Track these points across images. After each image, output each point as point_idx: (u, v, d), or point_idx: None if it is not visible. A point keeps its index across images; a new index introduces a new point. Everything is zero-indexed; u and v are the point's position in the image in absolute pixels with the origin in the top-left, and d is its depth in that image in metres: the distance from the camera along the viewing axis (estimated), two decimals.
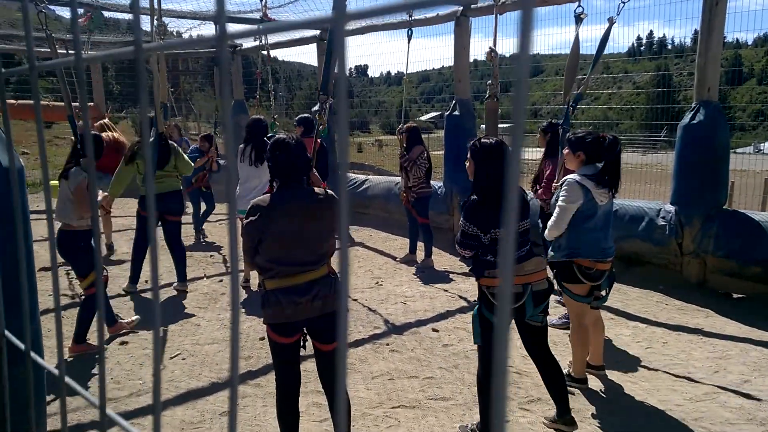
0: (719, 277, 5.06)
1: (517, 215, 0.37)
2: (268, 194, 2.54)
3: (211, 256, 6.65)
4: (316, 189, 2.58)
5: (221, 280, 5.71)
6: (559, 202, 3.28)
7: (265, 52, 6.63)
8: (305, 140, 2.75)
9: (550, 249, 3.46)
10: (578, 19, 4.09)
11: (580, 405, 3.25)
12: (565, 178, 3.37)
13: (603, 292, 3.45)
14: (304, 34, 8.87)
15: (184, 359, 3.88)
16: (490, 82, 4.41)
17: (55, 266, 0.66)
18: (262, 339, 4.19)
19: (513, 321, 2.84)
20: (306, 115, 6.22)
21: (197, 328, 4.44)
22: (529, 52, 0.35)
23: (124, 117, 22.12)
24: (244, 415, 3.18)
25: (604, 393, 3.42)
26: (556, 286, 3.87)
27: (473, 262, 2.83)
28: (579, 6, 4.10)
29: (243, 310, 4.79)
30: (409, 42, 6.38)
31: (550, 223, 3.35)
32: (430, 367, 3.74)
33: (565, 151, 3.46)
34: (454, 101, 7.14)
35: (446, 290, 5.38)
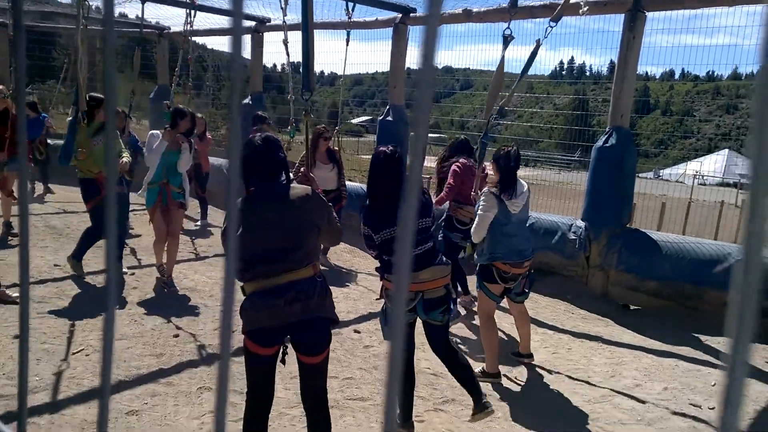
0: (620, 289, 5.48)
1: (415, 219, 0.39)
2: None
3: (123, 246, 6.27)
4: (294, 184, 2.44)
5: (134, 273, 5.41)
6: (479, 212, 3.65)
7: (191, 38, 6.34)
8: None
9: (475, 254, 3.81)
10: (506, 41, 4.27)
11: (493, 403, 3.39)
12: (484, 189, 3.72)
13: (525, 289, 3.82)
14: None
15: (87, 355, 3.63)
16: None
17: None
18: (176, 336, 4.02)
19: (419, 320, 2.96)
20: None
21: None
22: (433, 63, 0.38)
23: (30, 92, 20.42)
24: (154, 414, 3.03)
25: (513, 390, 3.60)
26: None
27: (379, 263, 2.96)
28: (508, 28, 4.28)
29: (151, 308, 4.57)
30: (347, 44, 6.38)
31: (473, 228, 3.71)
32: (350, 368, 3.76)
33: (491, 165, 3.72)
34: (388, 107, 7.22)
35: (369, 292, 5.43)
